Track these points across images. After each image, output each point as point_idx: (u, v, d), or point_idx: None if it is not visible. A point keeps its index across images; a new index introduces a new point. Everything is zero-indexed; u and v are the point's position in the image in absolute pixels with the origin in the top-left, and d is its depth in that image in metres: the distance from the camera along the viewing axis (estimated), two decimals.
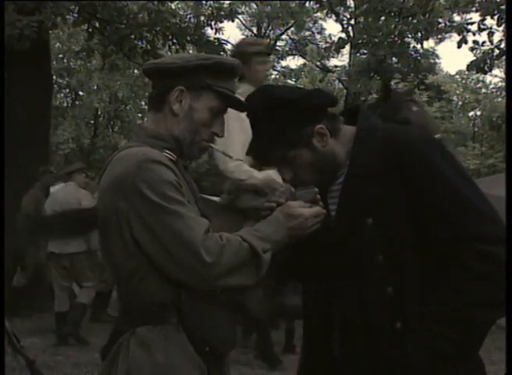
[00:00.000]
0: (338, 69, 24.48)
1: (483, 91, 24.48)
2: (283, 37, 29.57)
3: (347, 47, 17.67)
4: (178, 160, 1.83)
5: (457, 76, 24.85)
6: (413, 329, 1.66)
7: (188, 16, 10.79)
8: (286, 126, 1.78)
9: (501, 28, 9.10)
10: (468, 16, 11.44)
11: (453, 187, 1.65)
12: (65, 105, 19.43)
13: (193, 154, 1.91)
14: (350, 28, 16.98)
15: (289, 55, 29.84)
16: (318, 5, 11.21)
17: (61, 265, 6.80)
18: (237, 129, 3.47)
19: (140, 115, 20.20)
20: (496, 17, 8.86)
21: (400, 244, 1.69)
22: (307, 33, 28.82)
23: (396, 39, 11.09)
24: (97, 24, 9.51)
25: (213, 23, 10.16)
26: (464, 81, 24.70)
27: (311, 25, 28.55)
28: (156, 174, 1.68)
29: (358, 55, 18.63)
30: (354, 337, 1.74)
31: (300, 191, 1.83)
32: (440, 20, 11.33)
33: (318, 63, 26.01)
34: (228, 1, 11.11)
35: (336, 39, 11.88)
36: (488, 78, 24.01)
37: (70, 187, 6.97)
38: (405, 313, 1.68)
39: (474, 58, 9.90)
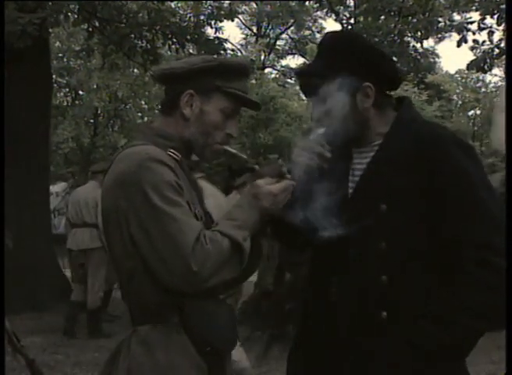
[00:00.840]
0: None
1: (483, 90, 24.49)
2: (283, 36, 29.57)
3: None
4: (182, 160, 1.83)
5: (457, 76, 24.86)
6: (399, 322, 1.66)
7: (188, 15, 10.77)
8: (344, 65, 1.77)
9: (501, 27, 9.09)
10: (468, 15, 11.43)
11: (478, 194, 1.65)
12: (64, 104, 19.38)
13: (206, 156, 1.90)
14: (349, 27, 16.98)
15: (289, 54, 29.87)
16: (317, 5, 11.20)
17: (78, 261, 7.07)
18: None
19: (139, 114, 20.16)
20: (495, 16, 8.85)
21: (405, 237, 1.69)
22: (307, 32, 28.82)
23: (395, 38, 11.08)
24: (96, 23, 9.49)
25: (213, 22, 10.15)
26: (463, 80, 24.71)
27: (310, 24, 28.55)
28: (156, 174, 1.68)
29: None
30: (343, 317, 1.75)
31: (265, 168, 1.83)
32: (440, 19, 11.31)
33: None
34: (228, 1, 11.09)
35: None
36: (488, 77, 24.01)
37: (90, 187, 7.23)
38: (394, 305, 1.68)
39: (474, 57, 9.89)
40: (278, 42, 29.57)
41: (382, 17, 10.56)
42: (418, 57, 18.18)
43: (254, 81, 19.51)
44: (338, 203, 1.79)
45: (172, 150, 1.81)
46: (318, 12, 24.84)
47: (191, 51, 11.13)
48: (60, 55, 18.15)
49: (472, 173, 1.67)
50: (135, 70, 16.52)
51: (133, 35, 9.24)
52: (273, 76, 28.26)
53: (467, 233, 1.63)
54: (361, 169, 1.81)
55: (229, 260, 1.69)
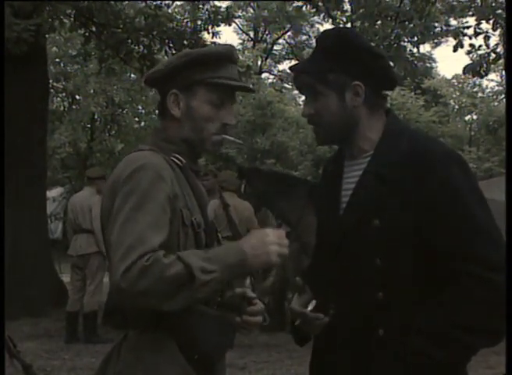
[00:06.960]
0: None
1: (479, 95, 24.51)
2: (280, 41, 29.62)
3: None
4: (186, 165, 1.81)
5: (454, 81, 24.86)
6: (396, 339, 1.64)
7: (185, 21, 10.77)
8: (334, 64, 1.76)
9: (497, 32, 9.12)
10: (464, 20, 11.47)
11: (469, 206, 1.64)
12: (61, 109, 19.36)
13: (208, 150, 1.88)
14: None
15: (286, 59, 29.87)
16: (314, 10, 11.22)
17: (77, 266, 7.19)
18: None
19: (136, 119, 20.16)
20: (491, 21, 8.87)
21: (400, 252, 1.67)
22: (304, 37, 28.87)
23: (392, 43, 11.10)
24: (93, 28, 9.50)
25: (210, 27, 10.16)
26: (460, 85, 24.72)
27: (307, 29, 28.60)
28: (143, 181, 1.66)
29: None
30: (342, 332, 1.74)
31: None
32: (436, 24, 11.37)
33: None
34: (225, 5, 11.10)
35: None
36: (484, 82, 24.04)
37: (86, 193, 7.33)
38: (390, 322, 1.67)
39: (471, 62, 9.91)
40: (275, 47, 29.63)
41: (379, 22, 10.57)
42: (415, 62, 18.23)
43: (251, 86, 19.52)
44: (331, 218, 1.80)
45: (176, 155, 1.80)
46: (315, 17, 24.88)
47: None
48: (57, 60, 18.15)
49: (462, 186, 1.65)
50: (132, 75, 16.52)
51: (129, 40, 9.24)
52: (270, 81, 28.32)
53: (459, 248, 1.61)
54: (354, 183, 1.78)
55: (174, 285, 1.57)
